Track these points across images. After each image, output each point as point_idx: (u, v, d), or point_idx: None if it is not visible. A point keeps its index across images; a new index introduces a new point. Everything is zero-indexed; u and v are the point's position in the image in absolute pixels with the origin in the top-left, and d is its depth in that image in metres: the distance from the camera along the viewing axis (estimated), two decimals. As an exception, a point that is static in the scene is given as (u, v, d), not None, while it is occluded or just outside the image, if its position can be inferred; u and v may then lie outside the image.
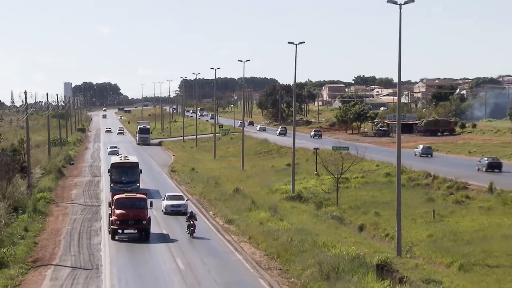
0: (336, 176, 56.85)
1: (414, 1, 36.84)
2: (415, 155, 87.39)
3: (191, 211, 46.11)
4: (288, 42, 62.18)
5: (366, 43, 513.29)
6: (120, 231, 42.54)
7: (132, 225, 42.44)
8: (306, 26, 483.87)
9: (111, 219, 42.85)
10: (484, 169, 70.34)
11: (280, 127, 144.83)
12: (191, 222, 43.29)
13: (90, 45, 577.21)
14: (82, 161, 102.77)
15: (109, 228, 43.50)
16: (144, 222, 42.40)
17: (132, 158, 65.78)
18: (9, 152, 66.93)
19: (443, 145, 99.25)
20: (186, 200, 54.98)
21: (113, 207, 43.37)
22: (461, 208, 50.25)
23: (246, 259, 36.99)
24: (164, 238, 43.94)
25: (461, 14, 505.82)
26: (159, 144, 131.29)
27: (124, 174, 59.83)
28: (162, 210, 52.42)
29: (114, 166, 60.79)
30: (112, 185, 58.99)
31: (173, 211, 52.12)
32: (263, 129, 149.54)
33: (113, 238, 42.26)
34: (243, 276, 33.22)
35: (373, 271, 30.04)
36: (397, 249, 37.02)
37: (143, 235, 42.68)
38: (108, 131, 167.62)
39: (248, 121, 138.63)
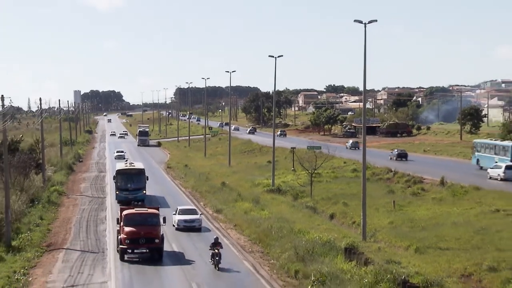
0: (310, 171, 56.96)
1: (377, 21, 37.03)
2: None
3: (216, 237, 32.79)
4: (269, 56, 62.32)
5: (336, 56, 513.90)
6: (129, 250, 33.21)
7: (144, 244, 33.11)
8: (285, 41, 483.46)
9: (119, 237, 33.60)
10: (394, 158, 79.54)
11: (251, 127, 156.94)
12: (216, 250, 31.40)
13: (97, 57, 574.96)
14: (90, 159, 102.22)
15: (117, 247, 34.25)
16: (157, 240, 33.35)
17: (138, 165, 56.83)
18: (26, 151, 66.49)
19: (402, 145, 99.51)
20: (200, 215, 43.59)
21: (121, 223, 34.10)
22: (417, 199, 50.49)
23: (232, 244, 37.01)
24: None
25: (417, 32, 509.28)
26: (158, 144, 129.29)
27: (130, 181, 51.63)
28: (173, 225, 41.67)
29: (120, 172, 52.44)
30: (117, 192, 51.72)
31: (186, 227, 41.13)
32: (252, 132, 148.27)
33: (122, 259, 32.97)
34: (230, 258, 33.14)
35: (342, 253, 30.16)
36: (363, 234, 37.16)
37: (155, 255, 33.43)
38: (113, 135, 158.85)
39: (234, 126, 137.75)
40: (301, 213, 46.56)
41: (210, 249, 31.61)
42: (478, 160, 69.72)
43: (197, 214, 42.75)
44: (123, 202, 48.58)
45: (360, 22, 36.79)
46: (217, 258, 30.86)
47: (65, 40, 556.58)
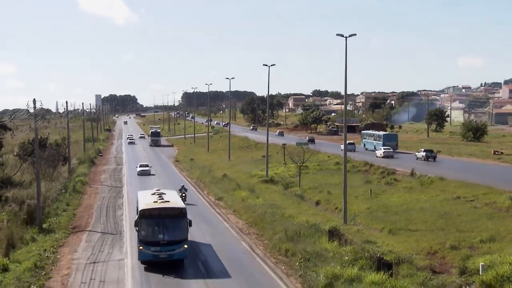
0: (298, 164, 57.04)
1: (356, 35, 37.07)
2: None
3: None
4: (263, 65, 62.02)
5: (321, 65, 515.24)
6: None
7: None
8: (277, 52, 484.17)
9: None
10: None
11: (252, 126, 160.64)
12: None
13: (116, 67, 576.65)
14: (109, 153, 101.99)
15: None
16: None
17: (174, 200, 30.07)
18: (54, 146, 66.45)
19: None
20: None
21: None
22: (390, 188, 50.59)
23: (231, 227, 37.02)
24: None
25: (390, 44, 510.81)
26: (171, 145, 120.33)
27: (163, 229, 27.38)
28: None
29: (146, 215, 27.47)
30: (141, 247, 27.12)
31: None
32: (254, 129, 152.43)
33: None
34: (229, 239, 33.24)
35: (326, 235, 30.19)
36: (344, 218, 37.23)
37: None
38: (131, 143, 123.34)
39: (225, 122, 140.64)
40: (291, 200, 46.60)
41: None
42: (364, 144, 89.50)
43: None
44: (152, 263, 27.06)
45: (342, 35, 36.78)
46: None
47: (89, 52, 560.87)
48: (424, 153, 70.51)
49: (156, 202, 28.67)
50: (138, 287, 23.69)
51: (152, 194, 31.22)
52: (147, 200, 29.66)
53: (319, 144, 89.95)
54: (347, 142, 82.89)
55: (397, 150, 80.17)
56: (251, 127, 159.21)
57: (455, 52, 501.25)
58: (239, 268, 26.69)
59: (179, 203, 29.22)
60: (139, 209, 27.89)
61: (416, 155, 72.64)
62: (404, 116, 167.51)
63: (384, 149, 76.48)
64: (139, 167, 67.65)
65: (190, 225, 27.75)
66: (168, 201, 28.87)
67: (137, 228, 27.49)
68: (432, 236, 31.04)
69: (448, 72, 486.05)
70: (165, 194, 30.98)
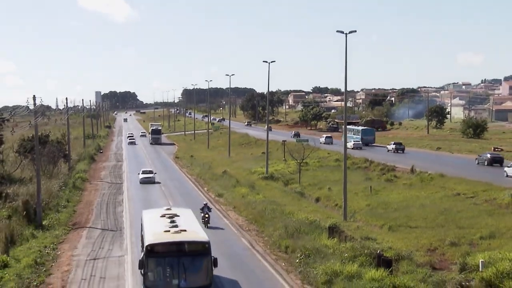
0: (298, 161, 57.03)
1: (356, 31, 37.00)
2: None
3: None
4: (263, 61, 62.29)
5: (321, 61, 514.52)
6: None
7: None
8: (277, 49, 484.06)
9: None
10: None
11: (250, 122, 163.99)
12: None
13: (116, 63, 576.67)
14: (109, 150, 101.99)
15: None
16: None
17: (193, 228, 21.18)
18: (54, 143, 66.51)
19: (378, 138, 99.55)
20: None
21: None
22: (390, 184, 50.60)
23: (231, 223, 37.02)
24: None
25: (391, 40, 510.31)
26: (172, 143, 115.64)
27: (178, 273, 18.66)
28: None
29: (155, 252, 18.97)
30: None
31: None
32: (249, 124, 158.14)
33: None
34: (230, 235, 33.25)
35: (326, 231, 30.20)
36: (344, 215, 37.24)
37: None
38: (132, 143, 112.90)
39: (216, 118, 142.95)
40: (291, 197, 46.60)
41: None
42: None
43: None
44: None
45: (342, 32, 36.72)
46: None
47: (89, 48, 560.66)
48: (394, 146, 78.77)
49: (168, 232, 19.93)
50: (138, 284, 23.71)
51: (162, 216, 22.68)
52: (155, 227, 20.97)
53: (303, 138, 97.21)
54: (326, 136, 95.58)
55: (373, 144, 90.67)
56: (245, 123, 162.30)
57: (455, 49, 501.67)
58: (239, 264, 26.72)
59: (201, 234, 20.36)
60: (145, 243, 19.34)
61: (387, 147, 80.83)
62: (404, 113, 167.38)
63: (353, 141, 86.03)
64: (142, 173, 56.96)
65: (216, 265, 19.37)
66: (185, 231, 20.08)
67: (142, 271, 18.92)
68: (432, 232, 31.04)
69: (448, 69, 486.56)
70: (179, 216, 22.47)
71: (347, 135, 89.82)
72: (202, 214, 34.13)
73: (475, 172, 52.87)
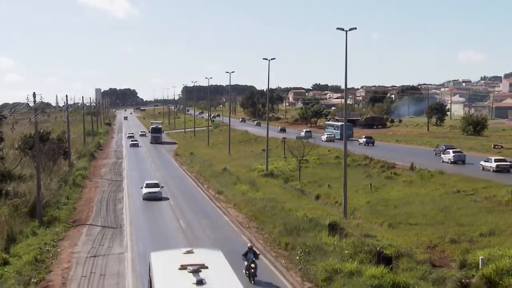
0: (298, 158, 57.03)
1: (356, 28, 37.00)
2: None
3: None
4: (263, 58, 62.13)
5: (321, 59, 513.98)
6: None
7: None
8: (277, 46, 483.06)
9: None
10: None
11: (256, 121, 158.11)
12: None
13: (116, 60, 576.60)
14: (109, 147, 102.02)
15: None
16: None
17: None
18: (55, 140, 66.53)
19: (378, 135, 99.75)
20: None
21: None
22: (390, 182, 50.59)
23: (231, 220, 37.03)
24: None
25: (391, 37, 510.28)
26: (174, 142, 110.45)
27: None
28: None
29: None
30: None
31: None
32: (243, 121, 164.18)
33: None
34: (229, 233, 33.27)
35: (326, 229, 30.19)
36: (344, 212, 37.23)
37: None
38: (135, 145, 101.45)
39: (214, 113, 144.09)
40: (291, 194, 46.59)
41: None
42: (326, 133, 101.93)
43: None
44: None
45: (342, 29, 36.70)
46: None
47: (89, 45, 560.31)
48: (364, 139, 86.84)
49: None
50: (138, 280, 23.71)
51: (181, 268, 13.72)
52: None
53: (290, 133, 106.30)
54: (305, 130, 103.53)
55: (352, 138, 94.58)
56: (240, 119, 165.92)
57: (455, 46, 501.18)
58: (240, 262, 26.69)
59: None
60: None
61: (359, 140, 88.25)
62: (404, 110, 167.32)
63: (327, 134, 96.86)
64: (145, 187, 46.00)
65: None
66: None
67: None
68: (432, 230, 31.04)
69: (448, 66, 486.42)
70: (207, 268, 13.73)
71: (328, 130, 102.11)
72: (247, 263, 22.75)
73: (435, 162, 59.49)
